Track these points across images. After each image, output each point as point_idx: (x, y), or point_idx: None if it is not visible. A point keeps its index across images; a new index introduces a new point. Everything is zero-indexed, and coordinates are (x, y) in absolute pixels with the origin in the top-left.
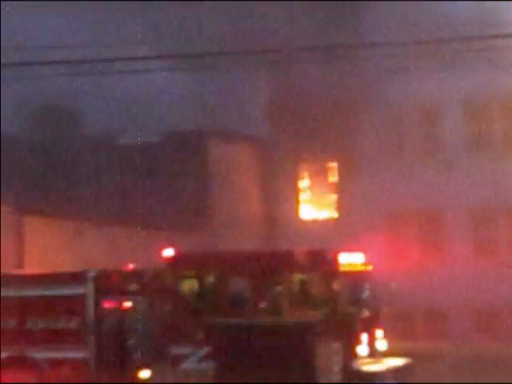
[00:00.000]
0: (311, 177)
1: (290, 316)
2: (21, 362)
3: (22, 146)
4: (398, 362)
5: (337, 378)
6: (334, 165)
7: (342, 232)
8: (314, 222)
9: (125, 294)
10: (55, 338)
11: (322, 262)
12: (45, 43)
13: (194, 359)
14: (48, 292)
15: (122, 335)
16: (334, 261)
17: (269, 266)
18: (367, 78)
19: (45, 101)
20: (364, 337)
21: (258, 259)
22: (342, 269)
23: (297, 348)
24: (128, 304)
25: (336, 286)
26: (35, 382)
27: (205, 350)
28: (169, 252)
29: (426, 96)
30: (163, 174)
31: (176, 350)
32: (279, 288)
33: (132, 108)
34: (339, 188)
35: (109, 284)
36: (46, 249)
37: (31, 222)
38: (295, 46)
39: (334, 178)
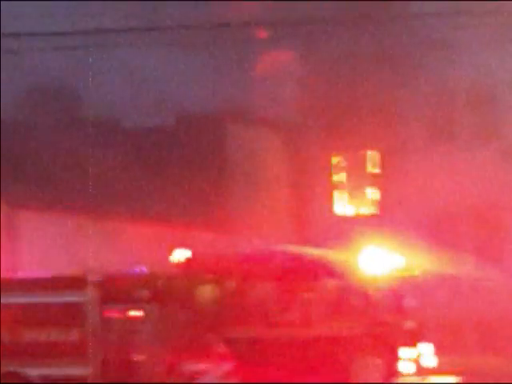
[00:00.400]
0: (348, 168)
1: (323, 328)
2: (12, 380)
3: (16, 130)
4: (446, 380)
5: None
6: (373, 154)
7: (383, 231)
8: (351, 219)
9: (132, 302)
10: (51, 352)
11: (360, 266)
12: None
13: (213, 377)
14: (43, 299)
15: (128, 349)
16: (374, 264)
17: (298, 271)
18: (411, 55)
19: (41, 80)
20: (407, 351)
21: (285, 262)
22: (382, 274)
23: (329, 364)
24: (136, 313)
25: (375, 293)
26: None
27: (225, 367)
28: (184, 253)
29: (481, 75)
30: (176, 163)
31: (192, 367)
32: (310, 295)
33: (141, 88)
34: (380, 180)
35: (113, 290)
36: (42, 248)
37: (25, 217)
38: (330, 16)
39: (373, 168)
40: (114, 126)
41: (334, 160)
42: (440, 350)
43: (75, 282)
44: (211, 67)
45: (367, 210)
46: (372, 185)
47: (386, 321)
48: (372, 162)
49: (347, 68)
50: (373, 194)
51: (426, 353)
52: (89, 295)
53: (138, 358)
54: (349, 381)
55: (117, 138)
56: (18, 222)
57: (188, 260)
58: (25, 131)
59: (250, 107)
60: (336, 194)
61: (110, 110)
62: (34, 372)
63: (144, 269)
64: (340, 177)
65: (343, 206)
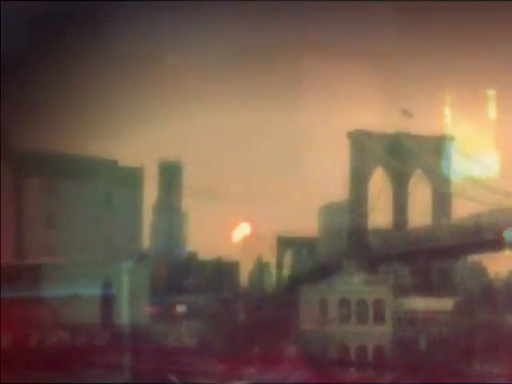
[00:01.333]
0: (460, 110)
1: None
2: None
3: (23, 66)
4: None
5: None
6: (492, 92)
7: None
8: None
9: (177, 293)
10: (69, 357)
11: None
12: None
13: None
14: (56, 291)
15: (171, 355)
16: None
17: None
18: None
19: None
20: None
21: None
22: None
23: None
24: (182, 309)
25: None
26: None
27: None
28: (244, 229)
29: None
30: (231, 104)
31: (257, 378)
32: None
33: (189, 11)
34: (502, 126)
35: (153, 278)
36: (56, 222)
37: (35, 184)
38: None
39: (493, 111)
40: (155, 62)
41: (444, 99)
42: None
43: (100, 268)
44: None
45: (491, 167)
46: (492, 130)
47: None
48: (491, 102)
49: None
50: (493, 140)
51: None
52: (120, 286)
53: (184, 367)
54: None
55: (157, 79)
56: (25, 188)
57: (248, 236)
58: (36, 67)
59: (330, 34)
60: (445, 145)
61: (149, 41)
62: None
63: (190, 250)
64: (451, 122)
65: (457, 162)
